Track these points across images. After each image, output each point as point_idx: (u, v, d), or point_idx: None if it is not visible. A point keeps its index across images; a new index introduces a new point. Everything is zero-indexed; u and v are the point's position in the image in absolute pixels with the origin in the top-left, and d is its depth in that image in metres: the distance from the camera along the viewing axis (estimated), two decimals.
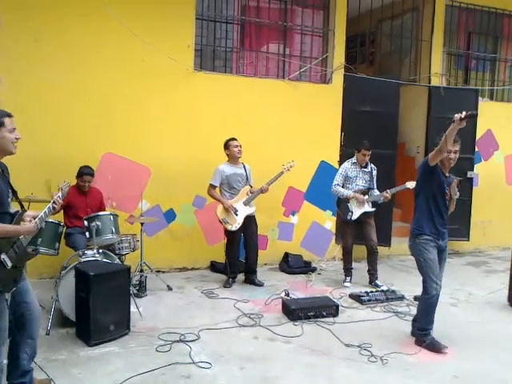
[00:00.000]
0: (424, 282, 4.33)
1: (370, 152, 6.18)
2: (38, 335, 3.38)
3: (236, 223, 5.89)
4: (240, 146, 6.00)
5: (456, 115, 3.82)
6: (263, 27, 7.34)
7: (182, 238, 6.70)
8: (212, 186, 5.98)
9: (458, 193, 4.38)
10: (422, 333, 4.40)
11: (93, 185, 5.71)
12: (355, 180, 6.23)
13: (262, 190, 5.97)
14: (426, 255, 4.29)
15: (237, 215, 5.90)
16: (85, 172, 5.53)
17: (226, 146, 6.02)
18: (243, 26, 7.30)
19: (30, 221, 3.07)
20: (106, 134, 6.22)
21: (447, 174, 4.35)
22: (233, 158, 6.02)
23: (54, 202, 3.22)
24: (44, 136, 5.90)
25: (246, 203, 5.97)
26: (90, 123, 6.14)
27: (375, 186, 6.29)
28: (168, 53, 6.35)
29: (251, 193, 6.02)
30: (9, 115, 3.05)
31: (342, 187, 6.25)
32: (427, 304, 4.36)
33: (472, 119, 7.65)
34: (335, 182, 6.25)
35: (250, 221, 6.01)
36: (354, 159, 6.29)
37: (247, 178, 6.08)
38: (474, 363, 4.13)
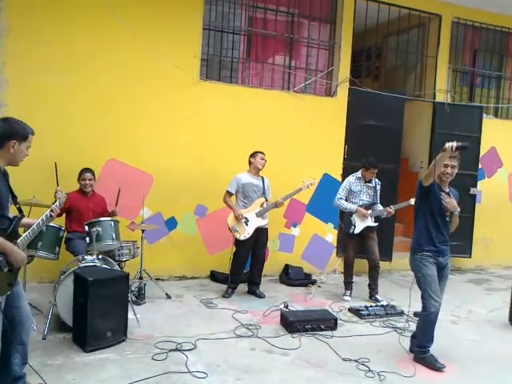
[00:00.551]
0: (422, 298, 4.29)
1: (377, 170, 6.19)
2: (29, 340, 3.36)
3: (245, 233, 5.86)
4: (266, 161, 6.02)
5: (448, 144, 3.89)
6: (270, 39, 7.38)
7: (183, 247, 6.68)
8: (228, 193, 5.99)
9: (458, 208, 4.29)
10: (421, 350, 4.36)
11: (96, 190, 5.72)
12: (359, 194, 6.21)
13: (277, 205, 5.97)
14: (424, 271, 4.25)
15: (247, 225, 5.88)
16: (84, 170, 5.58)
17: (253, 155, 6.03)
18: (250, 38, 7.35)
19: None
20: (109, 140, 6.24)
21: (447, 190, 4.31)
22: (254, 169, 6.02)
23: (51, 211, 3.22)
24: (48, 140, 5.88)
25: (259, 215, 5.95)
26: (94, 129, 6.16)
27: (379, 201, 6.28)
28: (174, 62, 6.39)
29: (266, 205, 6.01)
30: (33, 133, 3.16)
31: (346, 201, 6.23)
32: (426, 321, 4.31)
33: (477, 137, 7.83)
34: (338, 196, 6.23)
35: (260, 233, 5.98)
36: (358, 174, 6.27)
37: (264, 192, 6.07)
38: (472, 381, 4.09)
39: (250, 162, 6.06)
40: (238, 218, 5.84)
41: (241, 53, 7.36)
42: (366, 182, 6.22)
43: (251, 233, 5.87)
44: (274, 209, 6.03)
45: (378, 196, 6.29)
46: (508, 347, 4.94)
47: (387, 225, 7.14)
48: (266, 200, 6.06)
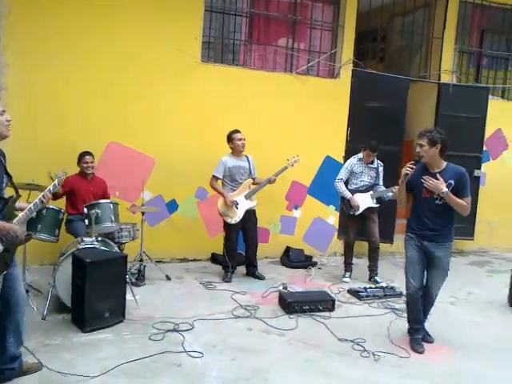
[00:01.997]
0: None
1: (376, 153, 6.13)
2: (24, 321, 3.42)
3: (236, 216, 5.87)
4: (244, 139, 5.96)
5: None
6: (272, 20, 7.30)
7: (184, 229, 6.71)
8: (215, 178, 5.95)
9: (443, 189, 3.94)
10: (408, 329, 4.42)
11: (97, 173, 5.76)
12: (361, 176, 6.20)
13: (270, 181, 5.94)
14: (406, 251, 4.31)
15: (237, 208, 5.89)
16: (84, 153, 5.58)
17: (230, 138, 5.97)
18: (252, 19, 7.28)
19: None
20: (111, 123, 6.25)
21: (436, 170, 4.08)
22: (236, 152, 6.00)
23: (43, 196, 3.23)
24: (49, 123, 5.96)
25: (248, 197, 5.94)
26: (95, 112, 6.17)
27: (381, 183, 6.25)
28: (176, 44, 6.37)
29: (256, 184, 6.01)
30: None
31: (348, 182, 6.22)
32: (407, 299, 4.40)
33: (482, 118, 7.76)
34: (339, 177, 6.22)
35: (249, 215, 5.97)
36: (360, 155, 6.24)
37: (250, 171, 6.06)
38: (469, 362, 4.11)
39: (230, 147, 5.99)
40: (229, 205, 5.83)
41: (243, 35, 7.30)
42: (367, 163, 6.19)
43: (242, 216, 5.87)
44: (267, 186, 5.98)
45: (381, 178, 6.27)
46: (506, 329, 4.96)
47: (389, 207, 7.08)
48: (253, 180, 6.04)
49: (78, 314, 4.28)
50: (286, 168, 5.99)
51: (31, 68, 5.88)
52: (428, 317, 4.48)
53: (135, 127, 6.36)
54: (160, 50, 6.34)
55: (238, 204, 5.88)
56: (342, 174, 6.23)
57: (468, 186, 4.09)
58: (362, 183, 6.18)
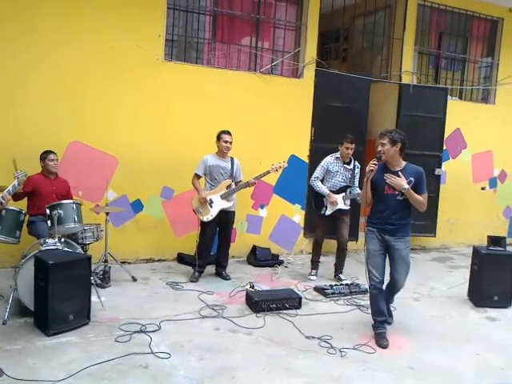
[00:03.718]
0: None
1: (353, 146, 6.11)
2: None
3: (209, 214, 5.83)
4: (230, 142, 5.91)
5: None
6: (236, 19, 7.30)
7: (149, 229, 6.64)
8: (196, 176, 5.94)
9: (404, 186, 4.17)
10: (372, 324, 4.51)
11: (58, 173, 5.62)
12: (335, 175, 6.14)
13: (249, 184, 5.93)
14: (367, 245, 4.43)
15: (211, 207, 5.86)
16: (48, 151, 5.47)
17: (218, 137, 5.95)
18: (216, 18, 7.25)
19: None
20: (73, 121, 6.11)
21: (397, 169, 4.29)
22: (220, 151, 5.97)
23: (2, 198, 3.14)
24: (7, 123, 5.79)
25: (224, 197, 5.91)
26: (58, 110, 6.02)
27: (357, 185, 6.15)
28: (138, 42, 6.26)
29: (236, 186, 5.96)
30: None
31: (322, 181, 6.20)
32: (369, 292, 4.52)
33: (441, 118, 7.97)
34: (315, 175, 6.20)
35: (226, 215, 5.95)
36: (337, 154, 6.20)
37: (232, 173, 6.00)
38: (430, 355, 4.21)
39: (216, 145, 5.98)
40: (201, 201, 5.83)
41: (207, 33, 7.26)
42: (344, 163, 6.17)
43: (214, 215, 5.84)
44: (245, 188, 5.98)
45: (357, 179, 6.16)
46: (465, 322, 5.12)
47: (353, 205, 7.17)
48: (236, 182, 6.01)
49: (41, 317, 4.17)
50: (268, 172, 5.95)
51: None
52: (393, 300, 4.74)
53: (97, 126, 6.24)
54: (123, 48, 6.22)
55: (212, 202, 5.85)
56: (318, 172, 6.21)
57: (425, 183, 4.37)
58: (336, 183, 6.15)
